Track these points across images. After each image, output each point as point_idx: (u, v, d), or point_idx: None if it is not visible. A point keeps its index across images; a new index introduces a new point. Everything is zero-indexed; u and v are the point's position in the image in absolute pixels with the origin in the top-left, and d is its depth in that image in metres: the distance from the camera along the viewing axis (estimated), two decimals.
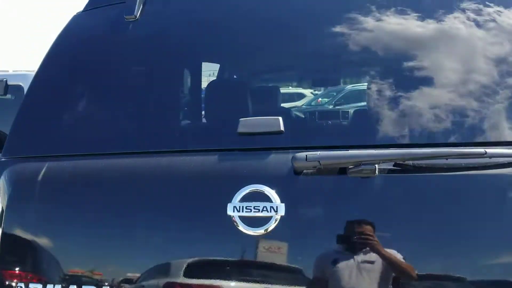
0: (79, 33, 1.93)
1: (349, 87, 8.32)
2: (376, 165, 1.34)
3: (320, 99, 9.61)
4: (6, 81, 5.38)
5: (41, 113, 1.76)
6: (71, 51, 1.88)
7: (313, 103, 9.26)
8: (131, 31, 1.80)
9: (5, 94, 5.41)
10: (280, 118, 1.48)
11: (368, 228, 1.33)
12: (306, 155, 1.37)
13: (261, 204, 1.37)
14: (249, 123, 1.49)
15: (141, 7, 1.79)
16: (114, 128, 1.70)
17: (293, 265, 1.38)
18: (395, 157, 1.35)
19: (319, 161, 1.35)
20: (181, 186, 1.50)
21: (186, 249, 1.46)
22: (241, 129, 1.48)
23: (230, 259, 1.40)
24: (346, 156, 1.36)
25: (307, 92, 9.86)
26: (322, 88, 9.03)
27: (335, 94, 8.98)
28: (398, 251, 1.31)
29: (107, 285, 1.48)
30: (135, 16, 1.77)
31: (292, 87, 8.64)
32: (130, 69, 1.81)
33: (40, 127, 1.74)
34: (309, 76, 3.97)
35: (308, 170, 1.39)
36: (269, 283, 1.37)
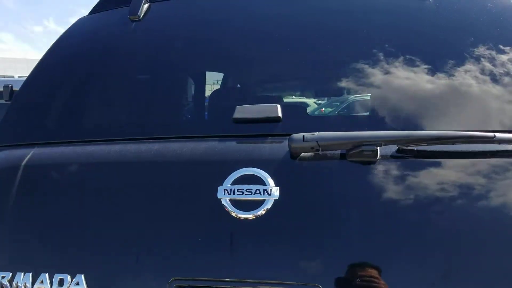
0: (78, 34, 2.00)
1: (352, 97, 8.33)
2: (378, 148, 1.28)
3: (323, 108, 9.62)
4: (12, 86, 5.42)
5: (34, 103, 1.79)
6: (69, 49, 1.95)
7: (316, 113, 9.26)
8: (126, 31, 1.84)
9: (10, 99, 5.46)
10: (279, 105, 1.47)
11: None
12: (303, 136, 1.32)
13: (253, 187, 1.32)
14: (246, 110, 1.48)
15: (145, 7, 1.84)
16: (107, 116, 1.73)
17: (287, 250, 1.29)
18: (398, 139, 1.28)
19: (317, 142, 1.30)
20: (171, 170, 1.46)
21: (176, 232, 1.40)
22: (237, 115, 1.47)
23: (218, 242, 1.33)
24: (346, 137, 1.30)
25: (311, 101, 9.87)
26: (326, 98, 9.05)
27: (338, 104, 8.99)
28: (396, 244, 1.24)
29: (90, 273, 1.37)
30: (139, 16, 1.82)
31: (295, 96, 8.65)
32: (123, 63, 1.84)
33: (31, 116, 1.76)
34: (312, 86, 3.97)
35: (305, 153, 1.35)
36: (259, 269, 1.29)
